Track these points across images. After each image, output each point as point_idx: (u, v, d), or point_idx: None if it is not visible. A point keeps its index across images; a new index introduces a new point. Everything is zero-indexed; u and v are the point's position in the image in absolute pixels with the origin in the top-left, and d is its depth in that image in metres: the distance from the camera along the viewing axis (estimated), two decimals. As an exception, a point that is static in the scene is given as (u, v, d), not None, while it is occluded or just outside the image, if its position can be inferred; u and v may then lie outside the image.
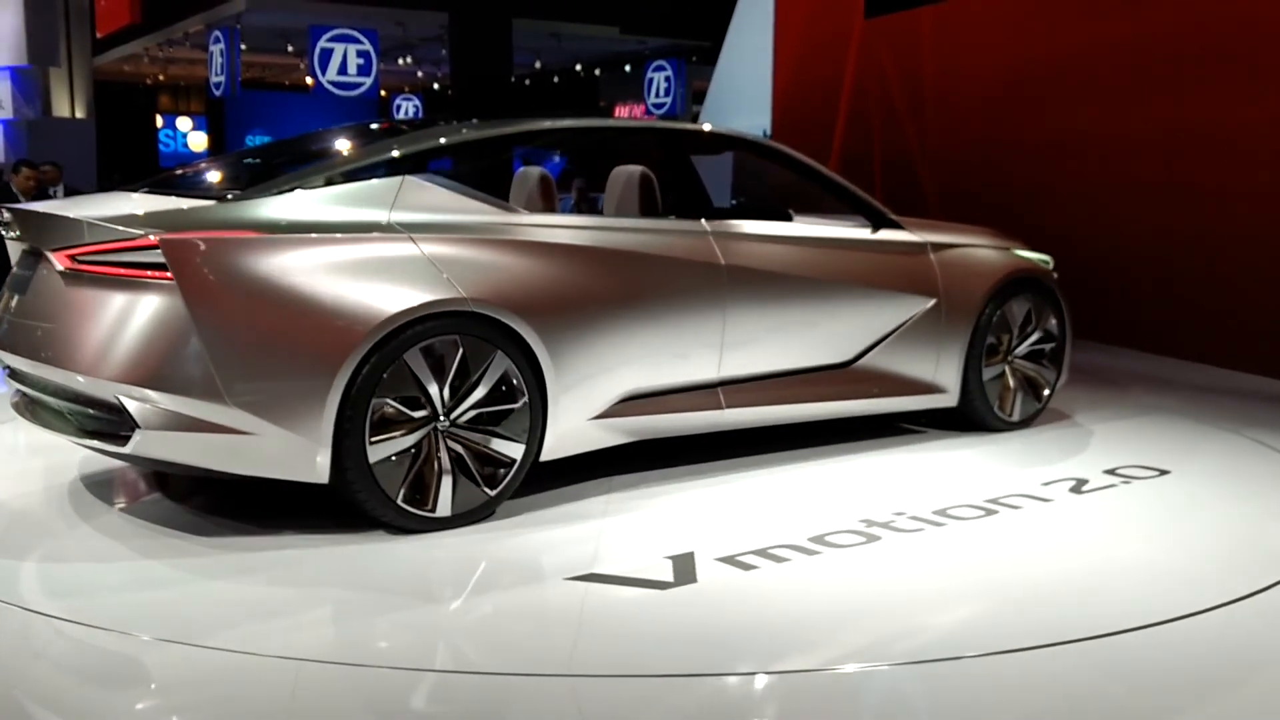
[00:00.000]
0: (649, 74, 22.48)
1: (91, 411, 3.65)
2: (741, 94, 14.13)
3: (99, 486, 4.36)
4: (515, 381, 3.90)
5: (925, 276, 5.09)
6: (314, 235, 3.68)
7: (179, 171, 4.67)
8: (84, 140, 18.32)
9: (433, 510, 3.77)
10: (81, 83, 19.82)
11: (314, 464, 3.57)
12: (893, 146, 10.67)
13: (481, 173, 5.13)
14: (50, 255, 3.67)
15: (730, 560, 3.58)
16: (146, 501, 4.24)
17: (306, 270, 3.61)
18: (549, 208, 4.65)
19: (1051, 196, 8.61)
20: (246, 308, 3.54)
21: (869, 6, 10.97)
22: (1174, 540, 3.97)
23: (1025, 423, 5.46)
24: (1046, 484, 4.53)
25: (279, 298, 3.57)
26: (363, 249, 3.73)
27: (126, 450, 3.55)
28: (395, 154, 4.09)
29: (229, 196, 3.79)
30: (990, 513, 4.16)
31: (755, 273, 4.58)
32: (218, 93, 20.82)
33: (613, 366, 4.20)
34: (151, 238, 3.48)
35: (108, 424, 3.60)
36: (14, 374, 3.97)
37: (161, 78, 30.59)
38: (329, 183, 3.88)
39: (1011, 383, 5.38)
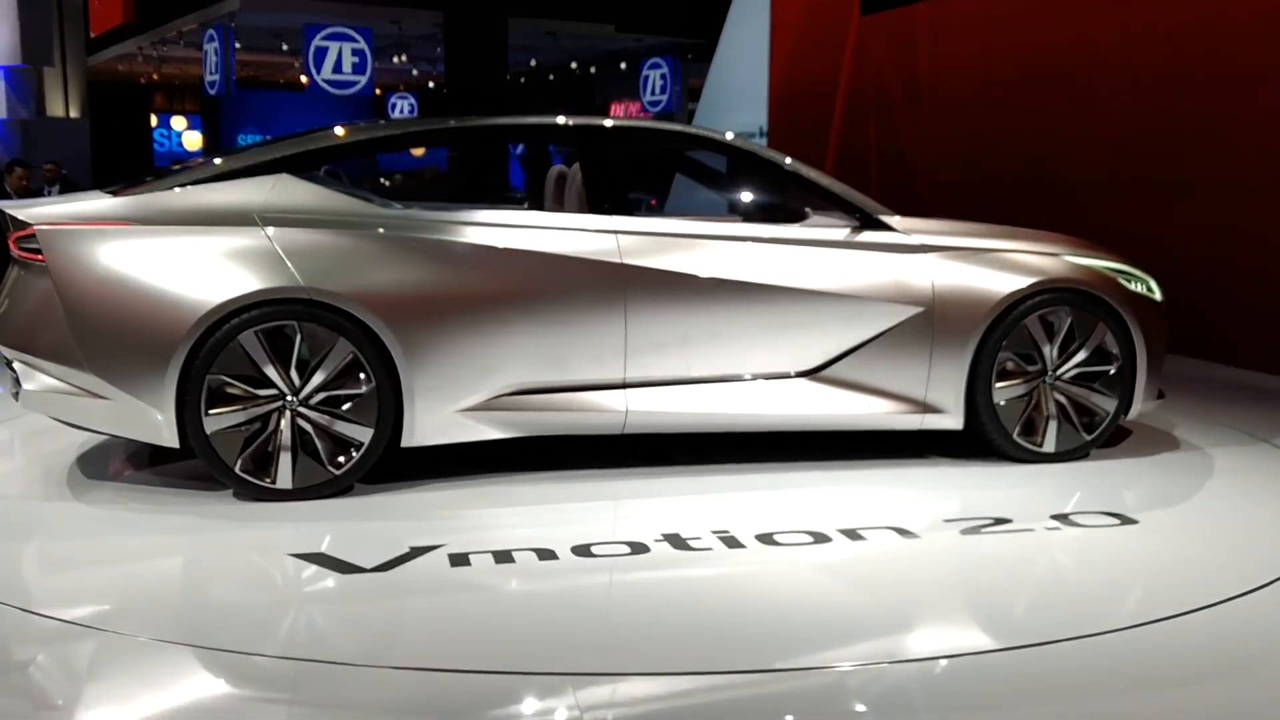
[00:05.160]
0: (645, 72, 22.48)
1: (11, 374, 4.33)
2: (737, 91, 14.11)
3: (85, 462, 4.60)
4: (363, 368, 4.16)
5: (909, 282, 4.60)
6: (175, 226, 4.15)
7: (174, 168, 4.80)
8: (78, 140, 18.26)
9: (273, 482, 4.13)
10: (75, 82, 19.77)
11: (162, 430, 4.06)
12: (889, 143, 10.66)
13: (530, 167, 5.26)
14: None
15: (459, 557, 3.62)
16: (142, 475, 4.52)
17: (159, 257, 4.10)
18: (564, 206, 4.73)
19: (1047, 193, 8.60)
20: (104, 288, 4.08)
21: (865, 3, 10.97)
22: (914, 604, 3.41)
23: (1066, 455, 4.78)
24: (950, 520, 4.07)
25: (132, 280, 4.08)
26: (217, 240, 4.14)
27: (19, 405, 4.28)
28: (281, 154, 4.41)
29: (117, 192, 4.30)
30: (821, 540, 3.83)
31: (667, 274, 4.41)
32: (212, 91, 20.80)
33: (488, 360, 4.27)
34: (33, 227, 4.10)
35: (15, 384, 4.29)
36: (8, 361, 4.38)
37: (156, 77, 30.48)
38: (218, 179, 4.31)
39: (1048, 408, 4.74)
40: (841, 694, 2.81)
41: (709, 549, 3.75)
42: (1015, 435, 4.74)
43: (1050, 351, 4.74)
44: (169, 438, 4.07)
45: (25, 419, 5.40)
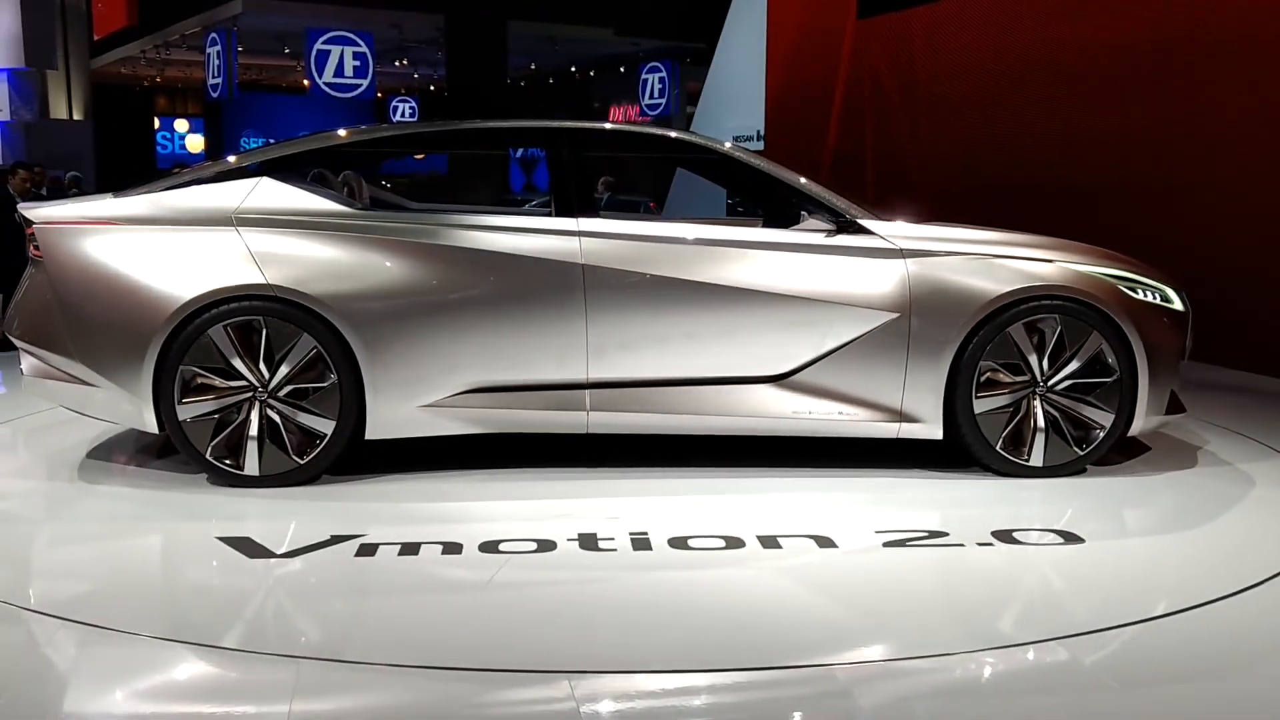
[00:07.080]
0: (643, 75, 22.56)
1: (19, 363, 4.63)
2: (735, 95, 14.21)
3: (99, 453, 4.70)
4: (325, 363, 4.31)
5: (884, 286, 4.45)
6: (159, 226, 4.37)
7: (175, 171, 5.09)
8: (82, 142, 18.39)
9: (241, 469, 4.32)
10: (79, 85, 19.89)
11: (144, 417, 4.29)
12: (885, 147, 10.73)
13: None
14: None
15: (369, 547, 3.68)
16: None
17: (140, 255, 4.33)
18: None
19: (1044, 196, 8.67)
20: (91, 282, 4.34)
21: (862, 7, 11.04)
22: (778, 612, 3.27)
23: (1056, 470, 4.52)
24: (880, 532, 3.87)
25: (115, 276, 4.31)
26: (194, 239, 4.35)
27: (26, 390, 4.58)
28: (263, 158, 4.62)
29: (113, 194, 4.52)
30: (734, 545, 3.72)
31: (629, 275, 4.40)
32: (215, 95, 20.88)
33: (449, 357, 4.36)
34: (33, 226, 4.39)
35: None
36: None
37: (159, 80, 30.62)
38: (205, 181, 4.50)
39: (1037, 420, 4.49)
40: (702, 700, 2.75)
41: (612, 550, 3.67)
42: (999, 447, 4.51)
43: (1038, 361, 4.50)
44: (150, 424, 4.29)
45: (25, 420, 5.49)
